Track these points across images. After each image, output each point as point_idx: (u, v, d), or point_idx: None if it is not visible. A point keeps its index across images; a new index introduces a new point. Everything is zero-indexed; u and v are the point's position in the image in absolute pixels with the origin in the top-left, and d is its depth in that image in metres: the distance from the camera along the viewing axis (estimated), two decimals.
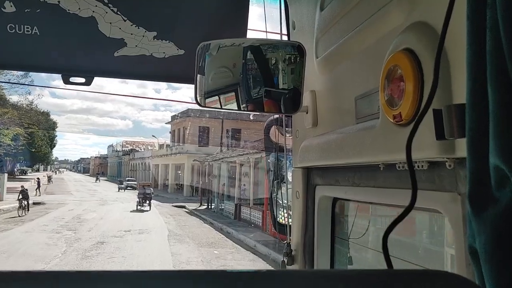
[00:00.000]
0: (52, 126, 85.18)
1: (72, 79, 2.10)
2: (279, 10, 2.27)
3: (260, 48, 1.86)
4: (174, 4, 2.15)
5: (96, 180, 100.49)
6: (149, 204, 38.89)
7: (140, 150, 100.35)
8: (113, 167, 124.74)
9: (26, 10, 1.99)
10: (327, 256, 2.02)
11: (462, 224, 1.00)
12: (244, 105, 1.87)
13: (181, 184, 63.53)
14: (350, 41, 1.55)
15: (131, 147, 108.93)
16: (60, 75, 2.10)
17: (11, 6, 1.97)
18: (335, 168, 1.76)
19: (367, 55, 1.46)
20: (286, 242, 2.28)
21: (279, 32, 2.30)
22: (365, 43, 1.46)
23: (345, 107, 1.61)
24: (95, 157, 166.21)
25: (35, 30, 2.01)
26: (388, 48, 1.22)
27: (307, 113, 1.98)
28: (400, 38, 1.17)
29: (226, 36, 2.01)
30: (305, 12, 2.05)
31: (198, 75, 1.82)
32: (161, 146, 79.82)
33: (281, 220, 2.97)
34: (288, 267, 2.22)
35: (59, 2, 1.99)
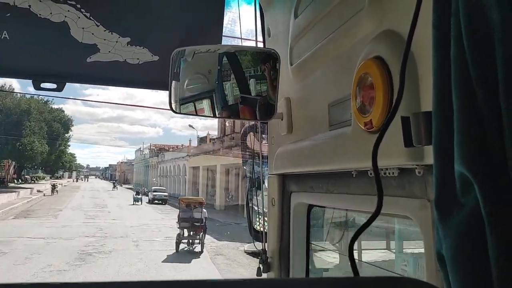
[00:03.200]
0: (67, 138, 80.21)
1: (43, 85, 2.06)
2: (254, 17, 2.27)
3: (235, 55, 1.86)
4: (148, 10, 2.13)
5: (113, 187, 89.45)
6: (201, 244, 21.24)
7: (171, 150, 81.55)
8: (139, 173, 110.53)
9: None
10: (302, 263, 2.02)
11: (432, 230, 1.01)
12: (219, 111, 1.86)
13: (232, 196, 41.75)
14: (323, 48, 1.56)
15: (160, 148, 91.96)
16: (30, 80, 2.06)
17: None
18: (310, 175, 1.76)
19: (340, 63, 1.47)
20: (262, 249, 2.27)
21: (254, 39, 2.31)
22: (337, 50, 1.47)
23: (318, 114, 1.61)
24: (121, 162, 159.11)
25: (5, 34, 1.96)
26: (360, 56, 1.23)
27: (282, 119, 1.98)
28: (370, 46, 1.18)
29: (201, 43, 2.00)
30: (280, 19, 2.06)
31: (173, 82, 1.80)
32: (202, 140, 61.31)
33: (258, 227, 2.96)
34: (264, 274, 2.20)
35: (30, 6, 1.96)
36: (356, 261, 1.98)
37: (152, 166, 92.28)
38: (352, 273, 0.95)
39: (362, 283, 0.66)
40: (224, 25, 2.22)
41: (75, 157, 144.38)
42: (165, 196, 56.08)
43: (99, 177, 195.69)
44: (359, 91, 1.20)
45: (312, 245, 2.06)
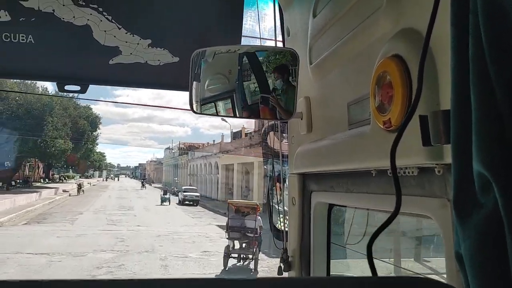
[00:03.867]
0: (95, 137, 74.47)
1: (67, 87, 2.11)
2: (273, 17, 2.28)
3: (255, 55, 1.86)
4: (168, 12, 2.16)
5: (141, 187, 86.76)
6: (255, 261, 17.24)
7: (200, 147, 77.31)
8: (169, 172, 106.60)
9: (21, 19, 2.01)
10: (323, 262, 2.01)
11: (452, 230, 1.00)
12: (240, 111, 1.87)
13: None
14: (342, 47, 1.56)
15: (190, 145, 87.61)
16: (55, 83, 2.11)
17: (6, 15, 1.99)
18: (330, 174, 1.75)
19: (359, 61, 1.46)
20: (283, 248, 2.28)
21: (274, 38, 2.31)
22: (356, 49, 1.46)
23: (338, 113, 1.61)
24: (150, 161, 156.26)
25: (30, 38, 2.02)
26: (378, 54, 1.22)
27: (301, 119, 1.98)
28: (389, 44, 1.18)
29: (221, 43, 2.01)
30: (299, 19, 2.06)
31: (194, 82, 1.82)
32: (236, 135, 55.86)
33: (279, 226, 2.96)
34: (285, 273, 2.21)
35: (53, 10, 2.01)
36: (377, 260, 1.96)
37: (181, 164, 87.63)
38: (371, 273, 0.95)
39: (380, 283, 0.66)
40: (243, 25, 2.24)
41: (104, 156, 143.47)
42: (196, 196, 50.64)
43: (129, 176, 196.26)
44: (377, 89, 1.19)
45: (333, 244, 2.05)
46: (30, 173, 72.38)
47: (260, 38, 2.52)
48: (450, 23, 0.78)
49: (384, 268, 2.03)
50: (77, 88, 2.13)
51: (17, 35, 2.01)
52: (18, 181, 62.88)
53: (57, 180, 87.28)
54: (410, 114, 0.90)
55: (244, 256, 17.33)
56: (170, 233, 26.36)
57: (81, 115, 64.34)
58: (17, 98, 49.04)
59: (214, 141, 69.84)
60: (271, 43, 2.38)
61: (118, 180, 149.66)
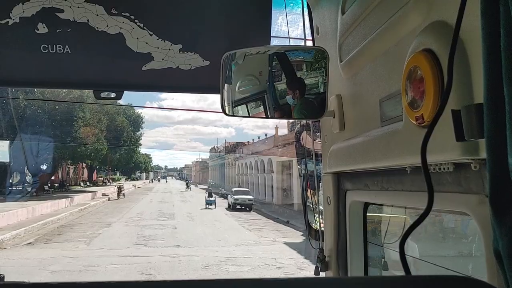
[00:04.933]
0: (138, 137, 69.89)
1: (103, 94, 2.18)
2: (302, 16, 2.27)
3: (285, 55, 1.86)
4: (198, 17, 2.19)
5: (186, 188, 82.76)
6: None
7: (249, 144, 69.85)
8: (214, 172, 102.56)
9: (58, 30, 2.09)
10: (360, 262, 1.99)
11: (491, 226, 0.97)
12: (271, 112, 1.87)
13: None
14: (372, 43, 1.53)
15: (237, 142, 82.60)
16: (91, 90, 2.18)
17: (44, 27, 2.08)
18: (364, 173, 1.73)
19: (389, 57, 1.44)
20: (319, 248, 2.26)
21: (303, 37, 2.30)
22: (386, 44, 1.44)
23: (370, 110, 1.59)
24: (195, 161, 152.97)
25: (67, 48, 2.10)
26: (409, 49, 1.20)
27: (334, 117, 1.96)
28: (419, 39, 1.15)
29: (250, 45, 2.02)
30: (328, 17, 2.05)
31: (225, 85, 1.84)
32: (294, 125, 37.40)
33: (314, 226, 2.94)
34: (322, 273, 2.20)
35: (88, 21, 2.08)
36: (415, 258, 1.92)
37: (228, 164, 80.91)
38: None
39: (414, 281, 0.65)
40: (272, 25, 2.24)
41: (150, 157, 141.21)
42: (249, 200, 42.81)
43: (175, 177, 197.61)
44: (409, 85, 1.17)
45: (370, 243, 2.02)
46: (68, 176, 70.40)
47: (289, 38, 2.51)
48: (480, 13, 0.76)
49: (426, 267, 1.98)
50: (113, 95, 2.20)
51: (54, 46, 2.09)
52: (54, 185, 58.11)
53: (101, 183, 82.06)
54: (440, 109, 0.88)
55: None
56: (223, 261, 18.77)
57: (119, 112, 58.49)
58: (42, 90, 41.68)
59: (266, 135, 61.23)
60: (300, 43, 2.36)
61: (166, 181, 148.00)
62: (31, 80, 2.22)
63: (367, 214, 2.00)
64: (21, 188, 46.40)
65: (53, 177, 59.68)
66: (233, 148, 79.54)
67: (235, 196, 43.68)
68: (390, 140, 1.37)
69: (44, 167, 50.07)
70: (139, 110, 69.72)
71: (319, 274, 2.22)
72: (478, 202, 1.02)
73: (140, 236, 25.83)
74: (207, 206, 44.44)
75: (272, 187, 49.56)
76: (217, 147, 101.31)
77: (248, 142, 75.81)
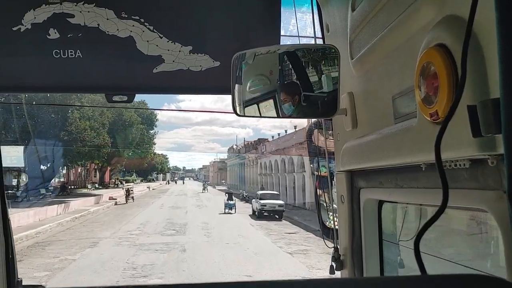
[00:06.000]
0: (152, 136, 64.51)
1: (115, 98, 2.19)
2: (311, 14, 2.26)
3: (295, 54, 1.85)
4: (207, 18, 2.19)
5: (203, 190, 78.48)
6: None
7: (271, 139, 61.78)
8: (233, 172, 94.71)
9: (69, 35, 2.11)
10: (375, 260, 1.97)
11: (510, 223, 0.95)
12: (282, 111, 1.86)
13: None
14: (383, 39, 1.52)
15: (259, 139, 73.96)
16: (103, 94, 2.20)
17: (55, 33, 2.10)
18: (378, 171, 1.72)
19: (402, 53, 1.42)
20: (334, 247, 2.25)
21: (313, 35, 2.29)
22: (398, 40, 1.42)
23: (383, 107, 1.57)
24: (213, 161, 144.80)
25: (78, 53, 2.12)
26: (421, 45, 1.18)
27: (346, 115, 1.95)
28: (432, 33, 1.13)
29: (260, 44, 2.02)
30: (338, 14, 2.03)
31: (236, 85, 1.83)
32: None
33: (329, 225, 2.93)
34: (337, 273, 2.19)
35: (98, 25, 2.10)
36: (432, 257, 1.89)
37: (249, 163, 74.30)
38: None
39: (431, 280, 0.64)
40: (282, 24, 2.23)
41: (167, 158, 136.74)
42: (280, 206, 35.70)
43: (193, 178, 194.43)
44: (422, 81, 1.15)
45: (386, 242, 2.00)
46: (73, 178, 63.86)
47: (299, 37, 2.50)
48: (494, 7, 0.75)
49: (446, 266, 1.95)
50: (125, 98, 2.21)
51: (66, 51, 2.11)
52: (52, 188, 48.95)
53: (113, 185, 75.38)
54: (454, 105, 0.87)
55: None
56: None
57: (126, 104, 49.48)
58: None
59: (295, 127, 47.31)
60: (310, 41, 2.35)
61: (183, 183, 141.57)
62: (44, 85, 2.25)
63: (382, 212, 1.98)
64: (12, 192, 38.67)
65: (56, 180, 54.71)
66: (255, 145, 72.32)
67: (262, 201, 36.06)
68: (404, 137, 1.35)
69: (43, 168, 43.35)
70: (150, 105, 66.74)
71: (334, 273, 2.21)
72: (496, 198, 1.00)
73: (129, 268, 18.51)
74: (226, 210, 39.36)
75: (303, 189, 42.55)
76: (236, 145, 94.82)
77: (273, 137, 65.28)
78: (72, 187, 60.41)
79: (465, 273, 0.61)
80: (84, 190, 59.58)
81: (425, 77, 1.13)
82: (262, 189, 48.84)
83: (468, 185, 1.10)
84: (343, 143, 2.02)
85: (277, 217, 35.02)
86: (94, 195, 50.28)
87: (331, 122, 2.34)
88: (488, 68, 0.95)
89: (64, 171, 60.36)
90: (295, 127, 46.35)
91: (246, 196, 53.61)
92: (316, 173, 3.01)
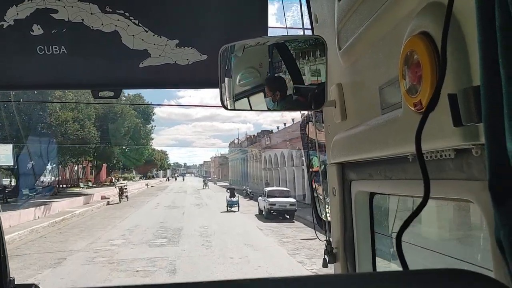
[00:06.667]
0: (149, 131, 63.04)
1: (102, 94, 2.17)
2: (299, 5, 2.23)
3: (285, 45, 1.82)
4: (193, 11, 2.16)
5: (203, 186, 77.08)
6: None
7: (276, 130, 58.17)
8: (235, 167, 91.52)
9: (53, 31, 2.08)
10: (368, 253, 1.96)
11: (494, 213, 0.93)
12: (273, 104, 1.84)
13: None
14: (369, 29, 1.49)
15: (262, 131, 71.29)
16: (89, 90, 2.18)
17: (38, 29, 2.07)
18: (367, 162, 1.70)
19: (387, 42, 1.39)
20: (326, 240, 2.24)
21: (301, 27, 2.26)
22: (384, 29, 1.39)
23: (370, 98, 1.55)
24: (214, 157, 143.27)
25: (63, 49, 2.09)
26: (405, 33, 1.16)
27: (335, 107, 1.93)
28: (415, 21, 1.11)
29: (248, 37, 1.98)
30: (326, 4, 2.00)
31: (226, 78, 1.80)
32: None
33: (323, 217, 2.92)
34: (330, 265, 2.18)
35: (82, 20, 2.07)
36: (423, 249, 1.88)
37: (252, 157, 69.87)
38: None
39: (416, 275, 0.62)
40: (270, 16, 2.20)
41: (167, 154, 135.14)
42: (291, 205, 31.61)
43: (194, 175, 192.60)
44: (406, 70, 1.12)
45: (378, 234, 1.99)
46: (64, 177, 59.86)
47: (287, 28, 2.48)
48: None
49: (436, 258, 1.93)
50: (111, 94, 2.19)
51: (50, 47, 2.08)
52: (41, 188, 44.94)
53: (109, 182, 70.59)
54: (436, 94, 0.84)
55: None
56: None
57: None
58: None
59: (293, 120, 46.11)
60: (299, 32, 2.32)
61: (183, 179, 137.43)
62: (29, 82, 2.21)
63: (374, 204, 1.97)
64: None
65: (45, 178, 52.09)
66: (258, 138, 67.55)
67: (271, 199, 31.34)
68: (391, 128, 1.33)
69: (25, 167, 39.07)
70: (148, 101, 62.63)
71: (327, 266, 2.21)
72: (481, 188, 0.98)
73: None
74: (229, 208, 36.49)
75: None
76: (237, 139, 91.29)
77: (278, 128, 61.01)
78: (64, 186, 57.90)
79: (444, 268, 0.59)
80: (76, 190, 54.85)
81: (409, 66, 1.11)
82: (267, 184, 45.84)
83: (453, 176, 1.08)
84: (333, 135, 2.00)
85: (288, 217, 30.78)
86: (85, 194, 46.24)
87: (321, 114, 2.32)
88: (470, 56, 0.92)
89: (58, 170, 57.32)
90: (292, 120, 44.66)
91: (250, 192, 50.06)
92: (307, 165, 2.99)
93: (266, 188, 36.28)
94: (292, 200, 32.67)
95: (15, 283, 2.59)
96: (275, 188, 37.02)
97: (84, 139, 41.06)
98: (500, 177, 0.69)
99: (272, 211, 30.76)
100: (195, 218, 31.29)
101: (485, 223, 0.99)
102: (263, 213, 32.38)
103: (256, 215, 33.25)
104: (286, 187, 39.05)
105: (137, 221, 30.26)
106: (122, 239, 23.17)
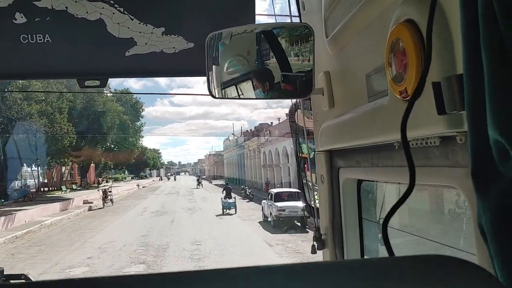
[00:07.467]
0: (139, 127, 60.61)
1: (87, 83, 2.14)
2: None
3: (272, 33, 1.81)
4: None
5: (197, 185, 72.59)
6: None
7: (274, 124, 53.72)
8: (231, 165, 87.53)
9: (36, 20, 2.04)
10: (356, 239, 1.99)
11: (476, 199, 0.95)
12: (261, 92, 1.83)
13: None
14: (356, 16, 1.49)
15: (260, 124, 66.56)
16: (75, 80, 2.15)
17: (21, 17, 2.03)
18: (355, 150, 1.71)
19: (374, 29, 1.39)
20: (315, 226, 2.26)
21: (289, 14, 2.25)
22: (370, 16, 1.39)
23: (357, 85, 1.55)
24: (209, 154, 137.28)
25: (47, 38, 2.05)
26: (391, 20, 1.16)
27: (323, 94, 1.93)
28: (401, 8, 1.10)
29: (235, 24, 1.96)
30: None
31: (213, 66, 1.79)
32: None
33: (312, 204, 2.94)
34: (319, 251, 2.20)
35: (66, 8, 2.03)
36: (410, 235, 1.90)
37: (249, 153, 65.53)
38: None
39: (399, 262, 0.63)
40: (258, 3, 2.18)
41: (160, 153, 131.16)
42: (303, 210, 18.65)
43: (188, 173, 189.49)
44: (392, 58, 1.13)
45: (366, 220, 2.01)
46: (45, 179, 54.16)
47: (275, 15, 2.47)
48: None
49: (426, 245, 1.95)
50: (97, 83, 2.16)
51: (34, 35, 2.04)
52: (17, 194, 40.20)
53: (96, 184, 64.76)
54: (421, 82, 0.85)
55: None
56: None
57: (100, 90, 31.61)
58: None
59: (287, 114, 35.82)
60: (287, 19, 2.31)
61: (175, 179, 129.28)
62: (12, 72, 2.18)
63: (361, 191, 1.98)
64: None
65: (29, 181, 47.16)
66: (256, 132, 61.34)
67: (280, 204, 25.36)
68: (377, 116, 1.34)
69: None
70: (137, 96, 59.85)
71: (315, 253, 2.23)
72: (465, 175, 0.99)
73: None
74: (225, 210, 32.55)
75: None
76: (233, 134, 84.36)
77: (279, 119, 55.02)
78: (46, 189, 51.70)
79: (427, 254, 0.60)
80: (57, 193, 48.12)
81: (395, 54, 1.11)
82: (267, 183, 41.90)
83: (438, 163, 1.09)
84: (321, 123, 2.00)
85: (300, 225, 24.58)
86: (66, 199, 40.48)
87: (309, 101, 2.33)
88: (454, 44, 0.93)
89: (42, 172, 52.35)
90: (286, 114, 39.52)
91: (250, 193, 43.31)
92: (296, 153, 3.00)
93: (273, 190, 30.13)
94: (303, 204, 24.96)
95: (4, 273, 2.58)
96: (283, 189, 31.11)
97: (54, 136, 36.56)
98: (482, 164, 0.70)
99: (281, 218, 24.82)
100: (186, 228, 26.12)
101: (469, 209, 1.00)
102: (269, 220, 26.63)
103: (260, 222, 27.92)
104: (290, 188, 33.31)
105: (115, 234, 24.74)
106: (85, 266, 17.59)
